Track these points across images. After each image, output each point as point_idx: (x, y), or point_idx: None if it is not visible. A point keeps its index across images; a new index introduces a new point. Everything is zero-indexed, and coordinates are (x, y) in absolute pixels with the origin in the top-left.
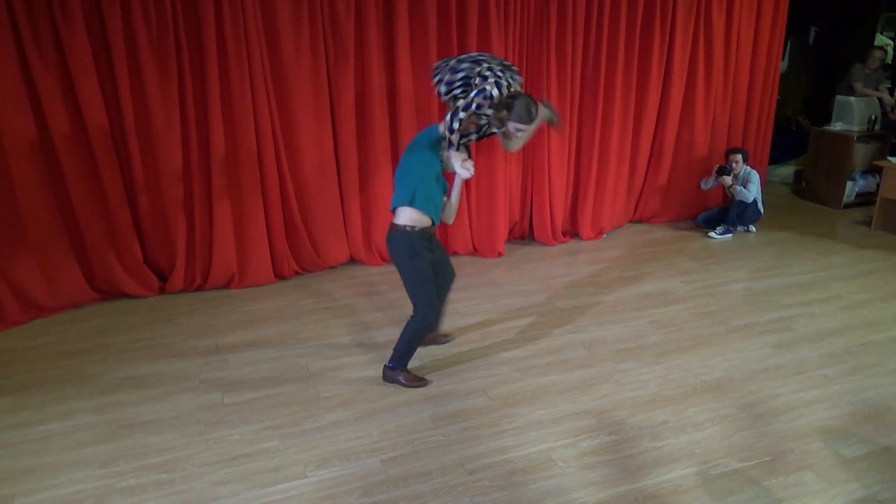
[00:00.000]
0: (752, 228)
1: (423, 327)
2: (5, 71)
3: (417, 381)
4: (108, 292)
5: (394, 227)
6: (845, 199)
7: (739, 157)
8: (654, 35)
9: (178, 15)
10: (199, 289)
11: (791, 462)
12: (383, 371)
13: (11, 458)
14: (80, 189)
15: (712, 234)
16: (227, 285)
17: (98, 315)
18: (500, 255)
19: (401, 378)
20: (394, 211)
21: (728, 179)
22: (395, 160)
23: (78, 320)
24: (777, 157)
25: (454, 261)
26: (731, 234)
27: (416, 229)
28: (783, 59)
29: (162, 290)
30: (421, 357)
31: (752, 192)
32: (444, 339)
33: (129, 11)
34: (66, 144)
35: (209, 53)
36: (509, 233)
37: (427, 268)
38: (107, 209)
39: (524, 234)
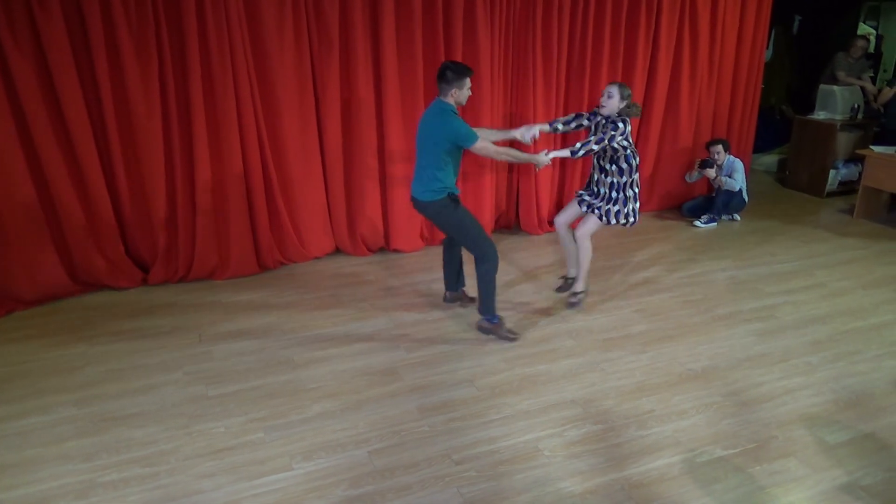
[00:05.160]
0: (737, 217)
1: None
2: None
3: (511, 333)
4: (90, 284)
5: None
6: (828, 188)
7: (720, 147)
8: (640, 25)
9: None
10: (182, 280)
11: (775, 449)
12: (478, 325)
13: None
14: (59, 179)
15: (697, 222)
16: (211, 276)
17: (79, 307)
18: None
19: (499, 330)
20: None
21: (712, 172)
22: (380, 149)
23: (58, 312)
24: (761, 146)
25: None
26: (715, 223)
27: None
28: (767, 48)
29: (144, 282)
30: (413, 347)
31: (738, 181)
32: (471, 301)
33: None
34: (43, 133)
35: (190, 40)
36: (495, 222)
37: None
38: (87, 200)
39: (510, 223)
